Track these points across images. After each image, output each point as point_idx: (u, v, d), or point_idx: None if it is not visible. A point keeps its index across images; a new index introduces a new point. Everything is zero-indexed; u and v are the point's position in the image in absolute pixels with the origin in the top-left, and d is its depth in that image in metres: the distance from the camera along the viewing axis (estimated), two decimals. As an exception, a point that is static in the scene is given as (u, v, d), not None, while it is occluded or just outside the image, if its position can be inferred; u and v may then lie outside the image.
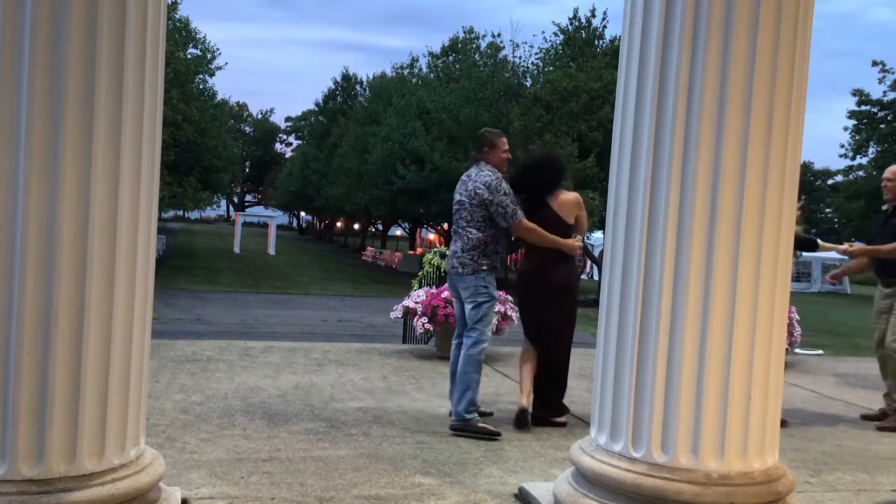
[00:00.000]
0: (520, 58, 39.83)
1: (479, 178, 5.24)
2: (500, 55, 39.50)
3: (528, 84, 37.24)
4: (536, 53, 38.35)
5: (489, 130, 5.57)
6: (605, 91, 27.60)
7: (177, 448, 4.34)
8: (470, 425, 5.02)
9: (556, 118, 29.16)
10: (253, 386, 6.04)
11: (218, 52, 42.35)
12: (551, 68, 35.26)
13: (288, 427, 4.91)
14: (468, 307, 5.23)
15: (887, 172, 6.02)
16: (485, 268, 5.22)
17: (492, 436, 4.95)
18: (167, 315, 17.50)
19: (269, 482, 3.87)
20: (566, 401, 5.54)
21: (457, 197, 5.38)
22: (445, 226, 41.28)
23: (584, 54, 33.96)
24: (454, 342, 5.45)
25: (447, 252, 5.64)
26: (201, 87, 41.55)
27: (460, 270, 5.25)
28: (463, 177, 5.47)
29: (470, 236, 5.22)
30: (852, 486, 4.37)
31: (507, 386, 6.61)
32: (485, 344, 5.19)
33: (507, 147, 5.45)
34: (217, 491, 3.71)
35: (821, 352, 11.45)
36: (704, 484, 3.08)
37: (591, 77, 29.41)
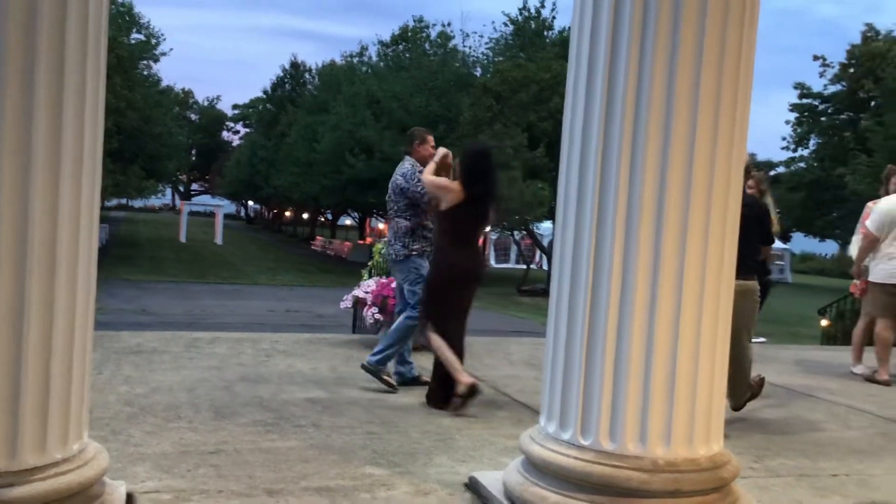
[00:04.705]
0: (470, 48, 39.90)
1: (399, 171, 5.96)
2: (451, 45, 39.48)
3: (478, 74, 37.30)
4: (486, 44, 38.45)
5: (419, 129, 6.33)
6: (555, 82, 27.83)
7: (121, 441, 4.25)
8: (380, 372, 5.83)
9: (506, 108, 29.30)
10: (199, 377, 5.95)
11: (163, 37, 41.65)
12: (501, 58, 35.36)
13: (235, 419, 4.85)
14: (406, 288, 5.95)
15: None
16: (415, 252, 5.91)
17: (391, 388, 5.79)
18: (110, 306, 17.19)
19: (216, 475, 3.82)
20: (517, 388, 5.55)
21: (395, 192, 6.01)
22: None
23: (534, 45, 34.15)
24: (396, 312, 6.23)
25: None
26: (145, 73, 40.83)
27: (395, 257, 5.98)
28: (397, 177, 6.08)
29: (399, 225, 5.94)
30: (794, 472, 4.47)
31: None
32: None
33: (433, 144, 6.12)
34: (163, 484, 3.65)
35: (764, 339, 11.70)
36: (652, 471, 3.13)
37: (540, 68, 29.61)
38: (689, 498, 3.15)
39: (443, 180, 5.54)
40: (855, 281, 8.01)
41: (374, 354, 5.91)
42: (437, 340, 5.40)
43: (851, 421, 5.86)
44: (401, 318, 5.93)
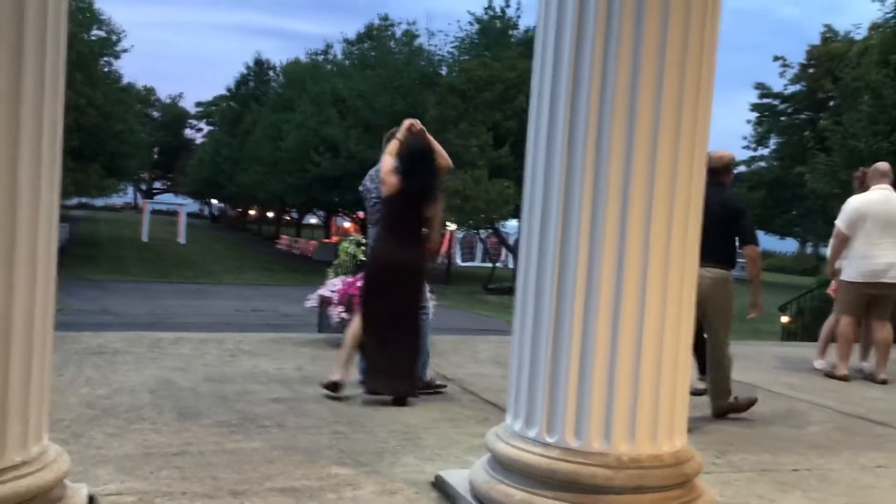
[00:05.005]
0: (435, 46, 39.88)
1: None
2: (416, 43, 39.43)
3: (443, 73, 37.29)
4: (452, 42, 38.45)
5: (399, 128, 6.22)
6: (520, 81, 27.92)
7: (82, 444, 4.19)
8: (425, 380, 5.81)
9: (472, 107, 29.35)
10: (162, 378, 5.88)
11: (124, 33, 41.06)
12: (467, 57, 35.41)
13: (199, 420, 4.80)
14: None
15: None
16: None
17: (442, 387, 5.90)
18: (71, 306, 16.92)
19: (179, 476, 3.78)
20: (483, 386, 5.60)
21: (376, 192, 5.83)
22: (361, 214, 41.08)
23: (500, 44, 34.24)
24: None
25: (363, 241, 5.98)
26: (106, 70, 40.27)
27: None
28: (371, 172, 6.01)
29: None
30: (756, 466, 4.53)
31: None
32: (429, 316, 5.98)
33: None
34: (125, 486, 3.60)
35: None
36: (616, 468, 3.15)
37: (505, 67, 29.70)
38: (652, 494, 3.18)
39: (388, 169, 5.56)
40: (832, 282, 8.12)
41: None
42: (353, 327, 5.58)
43: (812, 416, 5.95)
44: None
